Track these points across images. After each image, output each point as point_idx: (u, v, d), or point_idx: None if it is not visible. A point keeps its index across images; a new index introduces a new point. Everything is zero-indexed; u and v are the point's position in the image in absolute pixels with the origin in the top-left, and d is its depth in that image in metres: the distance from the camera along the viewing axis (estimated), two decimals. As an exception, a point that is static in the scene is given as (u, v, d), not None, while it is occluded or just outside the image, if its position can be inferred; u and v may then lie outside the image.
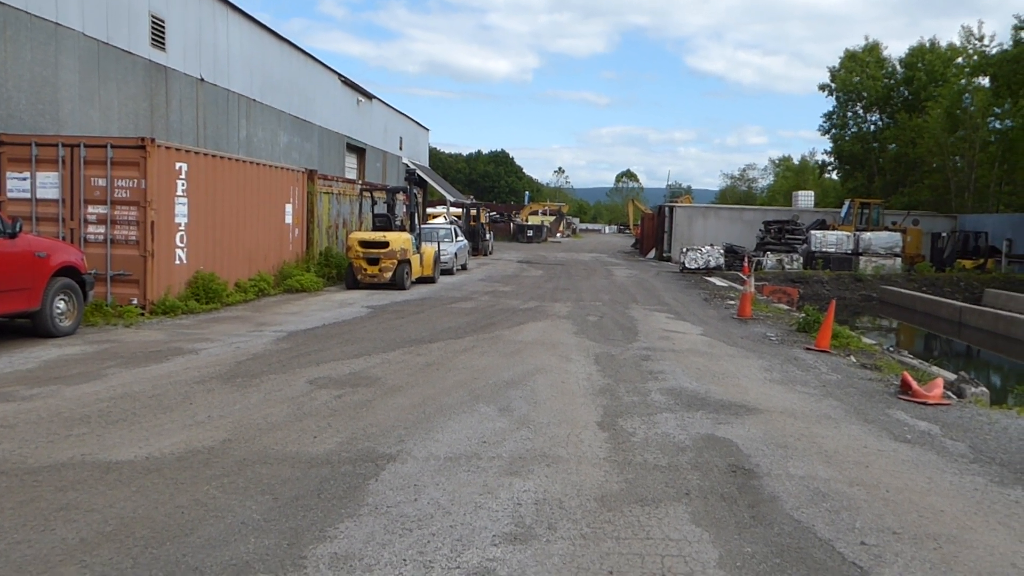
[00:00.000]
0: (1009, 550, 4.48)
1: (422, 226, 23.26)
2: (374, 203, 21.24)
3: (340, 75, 33.30)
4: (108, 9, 17.06)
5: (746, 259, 24.84)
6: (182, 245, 13.73)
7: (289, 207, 18.38)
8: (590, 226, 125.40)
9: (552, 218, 70.20)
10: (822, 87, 57.84)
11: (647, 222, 49.46)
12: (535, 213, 69.53)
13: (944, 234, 35.24)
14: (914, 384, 8.63)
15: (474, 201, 48.95)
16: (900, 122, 50.51)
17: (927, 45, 52.81)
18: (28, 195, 12.59)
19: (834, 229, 33.86)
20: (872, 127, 56.55)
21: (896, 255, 31.56)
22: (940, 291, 27.39)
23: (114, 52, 17.30)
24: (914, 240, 34.29)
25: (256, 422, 6.56)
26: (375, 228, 19.97)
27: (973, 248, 33.63)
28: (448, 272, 24.29)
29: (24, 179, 12.60)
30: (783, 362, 10.58)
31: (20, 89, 14.52)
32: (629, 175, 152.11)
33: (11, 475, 5.11)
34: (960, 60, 48.64)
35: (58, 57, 15.50)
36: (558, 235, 69.27)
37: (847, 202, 36.82)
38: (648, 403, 7.77)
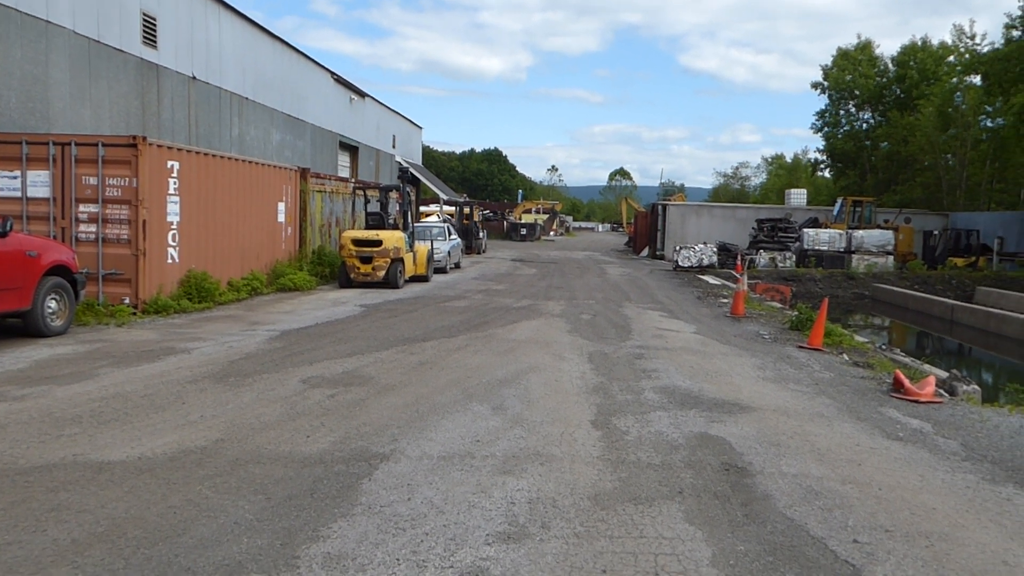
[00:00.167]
0: (1001, 547, 4.50)
1: (415, 224, 23.23)
2: (367, 201, 21.21)
3: (333, 73, 33.24)
4: (99, 7, 16.98)
5: (739, 257, 24.89)
6: (174, 244, 13.68)
7: (282, 205, 18.33)
8: (583, 224, 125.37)
9: (545, 216, 70.14)
10: (815, 85, 58.01)
11: (640, 220, 49.50)
12: (528, 211, 69.52)
13: (936, 232, 35.38)
14: (906, 382, 8.66)
15: (467, 199, 48.97)
16: (892, 120, 50.68)
17: (919, 44, 52.97)
18: (19, 194, 12.52)
19: (827, 227, 33.95)
20: (864, 125, 56.74)
21: (888, 253, 31.66)
22: (932, 289, 27.49)
23: (105, 50, 17.22)
24: (906, 238, 34.42)
25: (249, 422, 6.54)
26: (368, 227, 19.94)
27: (965, 246, 33.77)
28: (441, 270, 24.27)
29: (15, 178, 12.53)
30: (776, 360, 10.60)
31: (10, 87, 14.45)
32: (622, 173, 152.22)
33: (2, 476, 5.09)
34: (952, 58, 48.85)
35: (49, 55, 15.43)
36: (551, 233, 69.24)
37: (840, 200, 36.92)
38: (641, 401, 7.78)
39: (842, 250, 31.52)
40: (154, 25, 19.19)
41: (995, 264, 31.82)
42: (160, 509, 4.60)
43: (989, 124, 43.61)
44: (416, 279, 20.86)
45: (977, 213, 40.02)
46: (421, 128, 51.85)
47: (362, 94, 37.27)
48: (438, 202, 46.34)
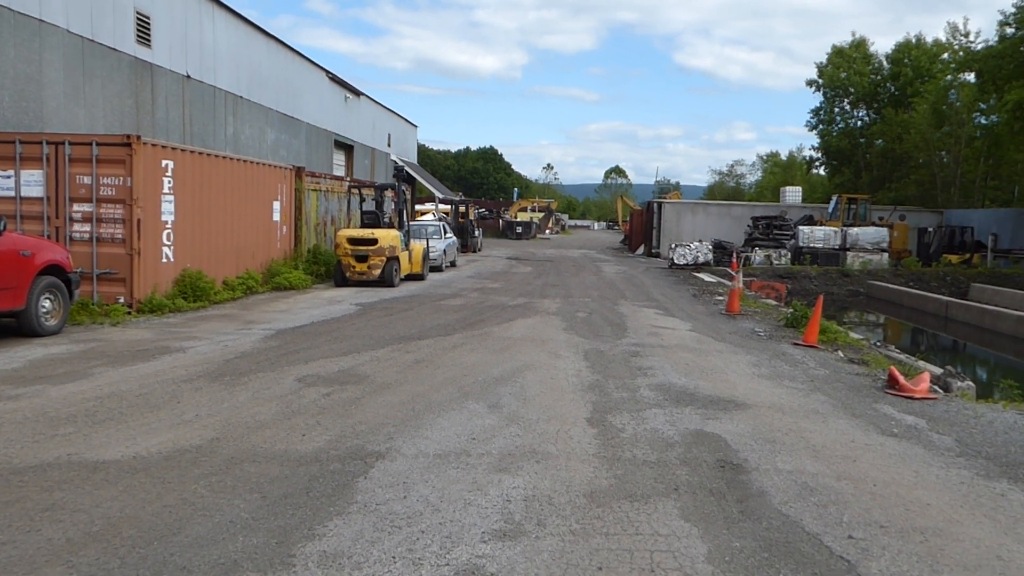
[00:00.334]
0: (995, 542, 4.52)
1: (411, 223, 23.22)
2: (362, 200, 21.18)
3: (328, 72, 33.19)
4: (92, 5, 16.93)
5: (734, 255, 24.92)
6: (169, 243, 13.65)
7: (277, 204, 18.30)
8: (579, 222, 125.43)
9: (541, 214, 70.13)
10: (809, 83, 58.05)
11: (636, 218, 49.53)
12: (524, 210, 69.51)
13: (930, 229, 35.46)
14: (901, 379, 8.68)
15: (463, 198, 48.92)
16: (887, 118, 50.77)
17: (913, 41, 53.08)
18: (12, 193, 12.48)
19: (822, 225, 34.01)
20: (859, 123, 56.83)
21: (883, 250, 31.73)
22: (926, 286, 27.56)
23: (99, 49, 17.17)
24: (901, 235, 34.50)
25: (244, 420, 6.53)
26: (363, 225, 19.91)
27: (959, 243, 33.85)
28: (437, 269, 24.26)
29: (8, 177, 12.49)
30: (771, 357, 10.62)
31: (3, 87, 14.40)
32: (618, 171, 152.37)
33: (-4, 475, 5.07)
34: (946, 56, 48.91)
35: (42, 54, 15.38)
36: (547, 231, 69.24)
37: (834, 198, 36.98)
38: (637, 399, 7.78)
39: (837, 247, 31.57)
40: (148, 24, 19.14)
41: (989, 261, 31.90)
42: (155, 508, 4.59)
43: (983, 121, 43.71)
44: (412, 277, 20.85)
45: (971, 210, 40.12)
46: (416, 127, 51.81)
47: (357, 93, 37.22)
48: (433, 200, 46.31)
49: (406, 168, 26.88)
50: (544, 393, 7.89)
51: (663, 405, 7.55)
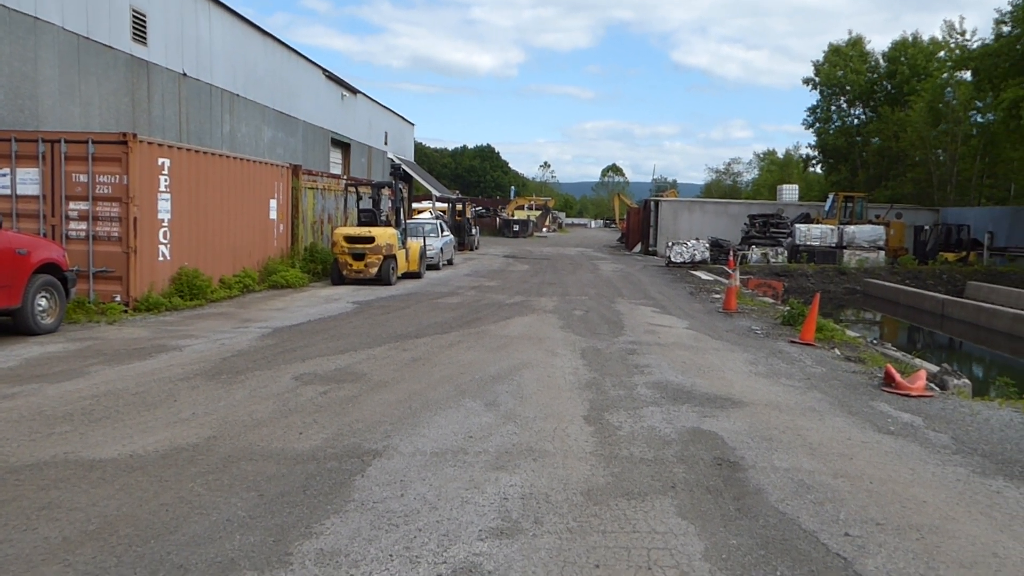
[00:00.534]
0: (991, 540, 4.53)
1: (408, 221, 23.20)
2: (359, 198, 21.16)
3: (324, 70, 33.13)
4: (88, 3, 16.89)
5: (731, 253, 24.95)
6: (165, 241, 13.62)
7: (274, 203, 18.28)
8: (576, 221, 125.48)
9: (538, 213, 70.19)
10: (806, 81, 58.13)
11: (633, 216, 49.56)
12: (521, 208, 69.52)
13: (927, 227, 35.53)
14: (897, 376, 8.69)
15: (460, 196, 48.91)
16: (883, 116, 50.84)
17: (909, 39, 53.14)
18: (8, 191, 12.44)
19: (818, 223, 34.07)
20: (855, 121, 56.89)
21: (880, 248, 31.78)
22: (923, 284, 27.62)
23: (95, 47, 17.13)
24: (897, 233, 34.56)
25: (241, 419, 6.52)
26: (360, 223, 19.89)
27: (955, 241, 33.93)
28: (434, 267, 24.25)
29: (4, 175, 12.45)
30: (768, 355, 10.63)
31: (-1, 84, 14.35)
32: (615, 169, 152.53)
33: (-8, 474, 5.06)
34: (942, 54, 48.96)
35: (37, 52, 15.34)
36: (544, 230, 69.26)
37: (831, 196, 37.04)
38: (634, 397, 7.79)
39: (834, 245, 31.62)
40: (144, 21, 19.09)
41: (985, 259, 31.97)
42: (152, 507, 4.58)
43: (979, 119, 43.79)
44: (409, 276, 20.84)
45: (967, 208, 40.19)
46: (413, 125, 51.76)
47: (354, 91, 37.17)
48: (430, 199, 46.27)
49: (403, 166, 26.87)
50: (541, 391, 7.90)
51: (660, 403, 7.56)
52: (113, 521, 4.36)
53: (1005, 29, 33.44)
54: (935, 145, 45.96)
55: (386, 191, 21.45)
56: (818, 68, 57.20)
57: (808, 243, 31.77)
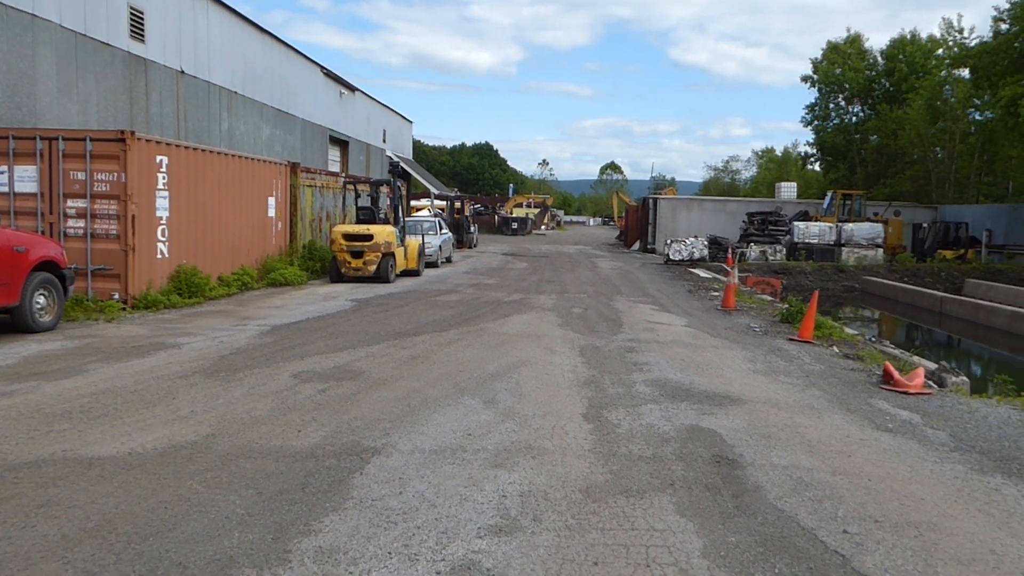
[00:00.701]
0: (988, 537, 4.54)
1: (406, 219, 23.20)
2: (358, 196, 21.14)
3: (322, 67, 33.09)
4: (86, 0, 16.85)
5: (730, 250, 24.95)
6: (163, 239, 13.61)
7: (272, 200, 18.26)
8: (575, 218, 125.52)
9: (537, 210, 70.16)
10: (804, 79, 58.13)
11: (631, 214, 49.56)
12: (519, 205, 69.48)
13: (925, 225, 35.55)
14: (896, 374, 8.70)
15: (458, 194, 48.89)
16: (881, 114, 50.86)
17: (908, 37, 53.16)
18: (6, 189, 12.43)
19: (817, 220, 34.07)
20: (854, 119, 56.91)
21: (878, 246, 31.81)
22: (921, 281, 27.64)
23: (92, 44, 17.10)
24: (896, 231, 34.58)
25: (240, 416, 6.52)
26: (359, 221, 19.88)
27: (954, 238, 33.96)
28: (433, 265, 24.24)
29: (2, 173, 12.44)
30: (767, 353, 10.64)
31: (-3, 81, 14.33)
32: (613, 167, 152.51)
33: (-9, 472, 5.06)
34: (940, 52, 49.01)
35: (35, 49, 15.31)
36: (543, 227, 69.25)
37: (829, 193, 37.04)
38: (633, 394, 7.79)
39: (832, 243, 31.65)
40: (142, 19, 19.06)
41: (984, 256, 32.01)
42: (150, 504, 4.58)
43: (977, 117, 43.82)
44: (407, 273, 20.83)
45: (966, 206, 40.22)
46: (411, 122, 51.72)
47: (352, 88, 37.13)
48: (429, 196, 46.27)
49: (401, 164, 26.81)
50: (540, 389, 7.90)
51: (659, 401, 7.56)
52: (112, 519, 4.36)
53: (1003, 27, 33.45)
54: (933, 143, 45.99)
55: (384, 189, 21.44)
56: (816, 66, 57.22)
57: (806, 241, 31.79)
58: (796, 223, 33.13)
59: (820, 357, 10.49)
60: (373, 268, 18.58)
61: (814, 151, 61.97)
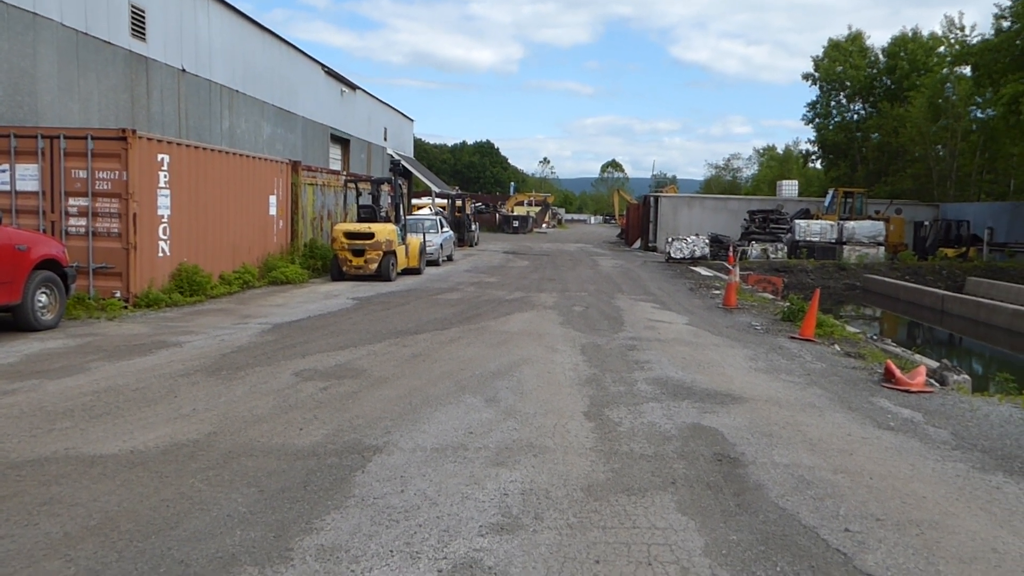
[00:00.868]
0: (990, 535, 4.54)
1: (407, 217, 23.18)
2: (359, 194, 21.15)
3: (323, 66, 33.08)
4: (87, -1, 16.85)
5: (731, 248, 24.93)
6: (165, 237, 13.62)
7: (273, 199, 18.27)
8: (576, 216, 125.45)
9: (538, 209, 70.13)
10: (805, 76, 58.07)
11: (632, 212, 49.53)
12: (521, 204, 69.45)
13: (927, 223, 35.51)
14: (897, 372, 8.70)
15: (459, 192, 48.85)
16: (883, 111, 50.79)
17: (909, 35, 53.10)
18: (7, 187, 12.43)
19: (818, 218, 34.04)
20: (855, 116, 56.85)
21: (879, 244, 31.77)
22: (923, 279, 27.62)
23: (93, 42, 17.10)
24: (897, 229, 34.53)
25: (241, 415, 6.53)
26: (360, 219, 19.89)
27: (955, 236, 33.92)
28: (434, 263, 24.24)
29: (3, 171, 12.44)
30: (768, 351, 10.64)
31: (-2, 80, 14.34)
32: (614, 165, 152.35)
33: (-7, 470, 5.07)
34: (942, 49, 48.95)
35: (36, 48, 15.31)
36: (544, 226, 69.23)
37: (831, 191, 36.99)
38: (634, 393, 7.79)
39: (833, 241, 31.62)
40: (143, 17, 19.06)
41: (985, 254, 31.98)
42: (153, 502, 4.59)
43: (979, 115, 43.75)
44: (408, 272, 20.84)
45: (967, 204, 40.18)
46: (412, 121, 51.71)
47: (353, 87, 37.12)
48: (430, 195, 46.25)
49: (402, 162, 26.79)
50: (541, 387, 7.90)
51: (660, 399, 7.56)
52: (114, 517, 4.37)
53: (1005, 24, 33.40)
54: (935, 141, 45.94)
55: (386, 187, 21.43)
56: (818, 64, 57.15)
57: (808, 239, 31.75)
58: (797, 221, 33.09)
59: (821, 355, 10.49)
60: (374, 266, 18.59)
61: (815, 149, 61.92)
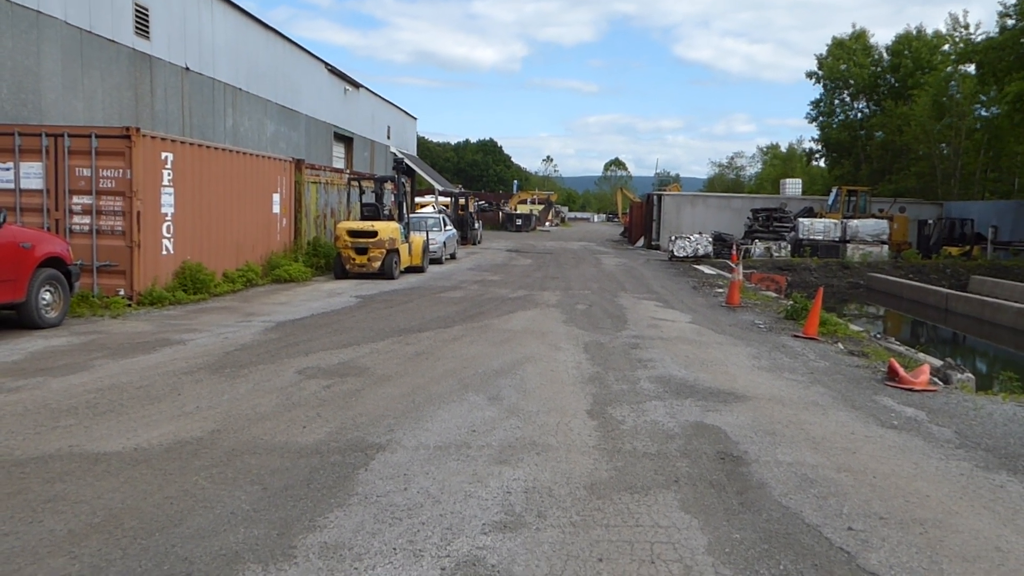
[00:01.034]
0: (993, 534, 4.53)
1: (410, 215, 23.20)
2: (362, 192, 21.15)
3: (327, 64, 33.09)
4: (91, -3, 16.86)
5: (734, 247, 24.91)
6: (169, 235, 13.64)
7: (276, 197, 18.28)
8: (579, 215, 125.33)
9: (541, 207, 70.10)
10: (809, 75, 58.02)
11: (636, 210, 49.49)
12: (524, 202, 69.41)
13: (930, 221, 35.43)
14: (901, 371, 8.69)
15: (462, 190, 48.84)
16: (887, 110, 50.71)
17: (913, 33, 53.02)
18: (12, 185, 12.47)
19: (821, 217, 33.98)
20: (859, 115, 56.76)
21: (883, 242, 31.72)
22: (926, 278, 27.56)
23: (97, 41, 17.12)
24: (900, 227, 34.46)
25: (245, 412, 6.54)
26: (363, 218, 19.90)
27: (959, 235, 33.84)
28: (437, 261, 24.25)
29: (8, 169, 12.47)
30: (771, 349, 10.63)
31: (2, 78, 14.36)
32: (617, 163, 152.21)
33: (-2, 467, 5.08)
34: (946, 47, 48.82)
35: (40, 46, 15.33)
36: (547, 224, 69.22)
37: (834, 190, 36.94)
38: (637, 391, 7.79)
39: (837, 239, 31.57)
40: (147, 16, 19.07)
41: (989, 253, 31.91)
42: (157, 500, 4.60)
43: (983, 113, 43.69)
44: (412, 270, 20.85)
45: (971, 202, 40.09)
46: (416, 119, 51.68)
47: (356, 85, 37.13)
48: (433, 193, 46.25)
49: (405, 160, 26.79)
50: (544, 385, 7.90)
51: (663, 397, 7.56)
52: (118, 514, 4.38)
53: (1009, 22, 33.32)
54: (939, 139, 45.85)
55: (389, 185, 21.44)
56: (821, 62, 57.06)
57: (811, 237, 31.71)
58: (801, 219, 33.04)
59: (825, 354, 10.47)
60: (377, 264, 18.60)
61: (819, 147, 61.86)
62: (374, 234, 18.53)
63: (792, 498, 4.96)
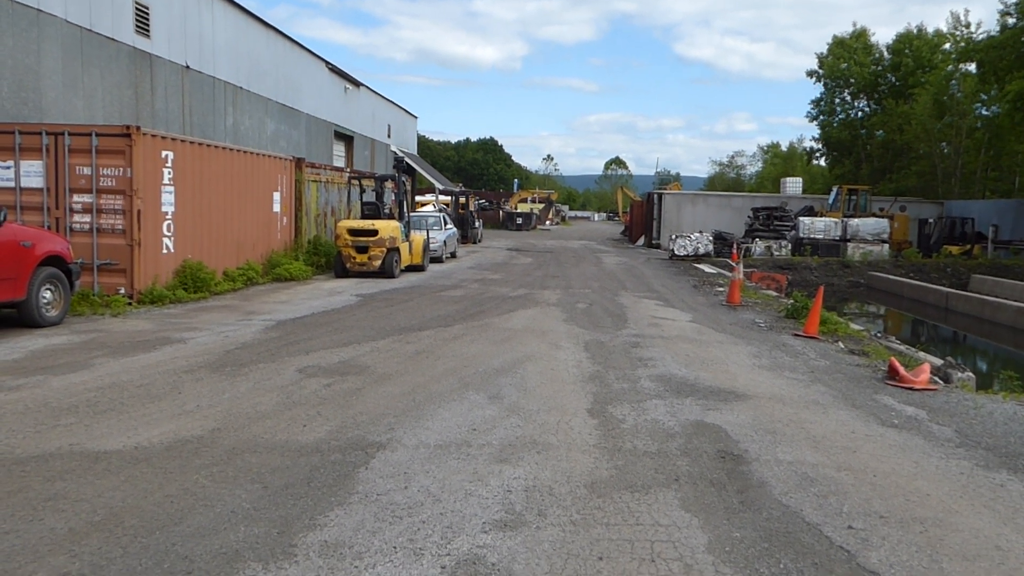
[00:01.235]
0: (994, 532, 4.53)
1: (411, 214, 23.19)
2: (362, 191, 21.15)
3: (327, 62, 33.09)
4: (91, -5, 16.86)
5: (735, 246, 24.91)
6: (169, 234, 13.64)
7: (277, 195, 18.28)
8: (579, 214, 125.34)
9: (541, 206, 70.07)
10: (810, 74, 58.00)
11: (636, 209, 49.47)
12: (524, 201, 69.33)
13: (931, 220, 35.42)
14: (901, 369, 8.68)
15: (463, 189, 48.83)
16: (887, 108, 50.69)
17: (914, 31, 52.98)
18: (12, 184, 12.46)
19: (822, 216, 33.97)
20: (859, 114, 56.75)
21: (883, 241, 31.71)
22: (927, 277, 27.55)
23: (97, 39, 17.12)
24: (901, 226, 34.45)
25: (245, 411, 6.54)
26: (364, 216, 19.89)
27: (960, 234, 33.83)
28: (437, 260, 24.25)
29: (8, 168, 12.47)
30: (771, 348, 10.63)
31: (2, 77, 14.37)
32: (618, 162, 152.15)
33: (-2, 466, 5.08)
34: (947, 46, 48.83)
35: (40, 44, 15.33)
36: (547, 223, 69.21)
37: (835, 188, 36.92)
38: (638, 390, 7.79)
39: (837, 238, 31.56)
40: (147, 14, 19.07)
41: (990, 252, 31.90)
42: (157, 498, 4.60)
43: (984, 112, 43.68)
44: (412, 269, 20.85)
45: (972, 201, 40.07)
46: (416, 117, 51.71)
47: (357, 83, 37.13)
48: (434, 191, 46.26)
49: (406, 159, 26.79)
50: (544, 384, 7.90)
51: (663, 396, 7.56)
52: (119, 512, 4.38)
53: (1010, 21, 33.32)
54: (939, 138, 45.83)
55: (389, 184, 21.43)
56: (822, 61, 57.04)
57: (812, 236, 31.70)
58: (801, 218, 33.04)
59: (825, 353, 10.47)
60: (378, 263, 18.60)
61: (819, 146, 61.84)
62: (374, 233, 18.53)
63: (792, 497, 4.97)
